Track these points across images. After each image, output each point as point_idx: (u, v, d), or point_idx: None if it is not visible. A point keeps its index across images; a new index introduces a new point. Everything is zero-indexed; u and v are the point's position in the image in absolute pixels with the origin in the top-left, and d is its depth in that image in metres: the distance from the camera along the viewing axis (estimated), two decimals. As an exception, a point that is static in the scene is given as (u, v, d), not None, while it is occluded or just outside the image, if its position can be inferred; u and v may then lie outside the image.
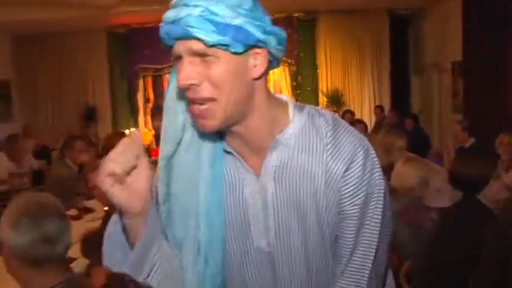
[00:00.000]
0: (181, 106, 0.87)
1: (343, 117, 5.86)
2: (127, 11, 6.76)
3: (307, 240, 0.90)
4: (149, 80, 8.43)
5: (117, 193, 0.78)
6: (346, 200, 0.87)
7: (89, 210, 3.26)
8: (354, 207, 0.87)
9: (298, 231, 0.89)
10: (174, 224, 0.89)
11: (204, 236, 0.87)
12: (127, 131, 7.31)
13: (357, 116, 7.21)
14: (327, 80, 8.08)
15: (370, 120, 7.74)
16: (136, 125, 8.22)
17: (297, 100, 7.98)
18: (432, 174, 2.54)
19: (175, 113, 0.88)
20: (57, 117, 8.37)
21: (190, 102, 0.83)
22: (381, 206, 0.89)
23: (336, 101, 7.89)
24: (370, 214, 0.88)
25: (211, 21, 0.77)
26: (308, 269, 0.91)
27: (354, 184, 0.87)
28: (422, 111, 7.75)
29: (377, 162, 0.90)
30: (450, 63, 6.55)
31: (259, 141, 0.88)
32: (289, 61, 7.85)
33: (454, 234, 1.91)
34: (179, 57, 0.82)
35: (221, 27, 0.77)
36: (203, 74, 0.80)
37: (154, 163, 0.90)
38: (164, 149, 0.88)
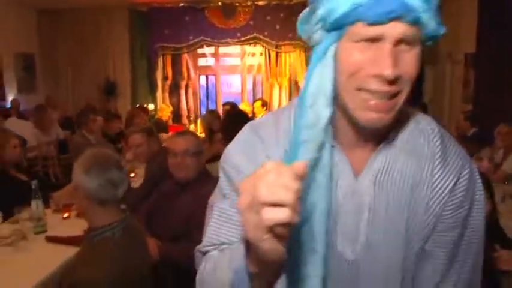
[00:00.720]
0: (322, 102, 0.74)
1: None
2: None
3: (394, 251, 0.81)
4: (168, 59, 8.61)
5: (279, 249, 0.58)
6: (449, 212, 0.81)
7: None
8: (456, 220, 0.81)
9: (389, 240, 0.80)
10: None
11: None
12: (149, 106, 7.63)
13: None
14: (341, 66, 8.24)
15: (381, 107, 7.92)
16: (154, 101, 8.50)
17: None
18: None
19: (317, 111, 0.74)
20: (78, 90, 8.59)
21: (363, 91, 0.72)
22: (482, 217, 0.85)
23: (349, 86, 8.06)
24: (471, 226, 0.83)
25: (432, 5, 0.69)
26: (388, 282, 0.82)
27: (460, 197, 0.81)
28: (433, 101, 7.91)
29: (478, 173, 0.86)
30: (463, 54, 6.69)
31: (376, 138, 0.80)
32: (306, 46, 8.04)
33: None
34: (372, 40, 0.69)
35: (437, 14, 0.70)
36: (401, 64, 0.70)
37: None
38: (303, 154, 0.72)
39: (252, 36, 8.08)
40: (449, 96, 7.52)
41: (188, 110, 8.86)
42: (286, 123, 0.83)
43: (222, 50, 8.82)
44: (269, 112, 0.89)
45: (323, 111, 0.74)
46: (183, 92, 8.85)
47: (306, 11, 0.77)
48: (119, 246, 1.51)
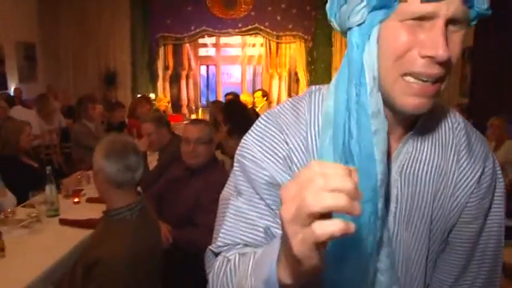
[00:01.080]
0: (376, 88, 0.70)
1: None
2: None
3: (419, 242, 0.80)
4: (169, 49, 8.67)
5: (320, 264, 0.52)
6: (474, 203, 0.80)
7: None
8: (480, 211, 0.81)
9: (414, 232, 0.79)
10: None
11: None
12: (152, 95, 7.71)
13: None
14: (340, 57, 8.33)
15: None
16: (155, 91, 8.56)
17: (310, 76, 8.26)
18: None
19: (376, 98, 0.70)
20: (79, 79, 8.62)
21: (409, 76, 0.68)
22: (502, 206, 0.84)
23: (348, 78, 8.16)
24: (492, 216, 0.83)
25: None
26: (412, 273, 0.81)
27: (484, 187, 0.80)
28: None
29: (497, 161, 0.85)
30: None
31: (404, 127, 0.77)
32: (306, 37, 8.13)
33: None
34: (422, 18, 0.65)
35: None
36: (450, 46, 0.66)
37: None
38: (379, 145, 0.70)
39: (253, 26, 8.15)
40: (446, 89, 7.61)
41: (188, 100, 8.94)
42: (307, 112, 0.79)
43: (223, 40, 8.90)
44: (284, 102, 0.85)
45: (379, 97, 0.70)
46: (183, 82, 8.92)
47: None
48: (135, 227, 1.62)
